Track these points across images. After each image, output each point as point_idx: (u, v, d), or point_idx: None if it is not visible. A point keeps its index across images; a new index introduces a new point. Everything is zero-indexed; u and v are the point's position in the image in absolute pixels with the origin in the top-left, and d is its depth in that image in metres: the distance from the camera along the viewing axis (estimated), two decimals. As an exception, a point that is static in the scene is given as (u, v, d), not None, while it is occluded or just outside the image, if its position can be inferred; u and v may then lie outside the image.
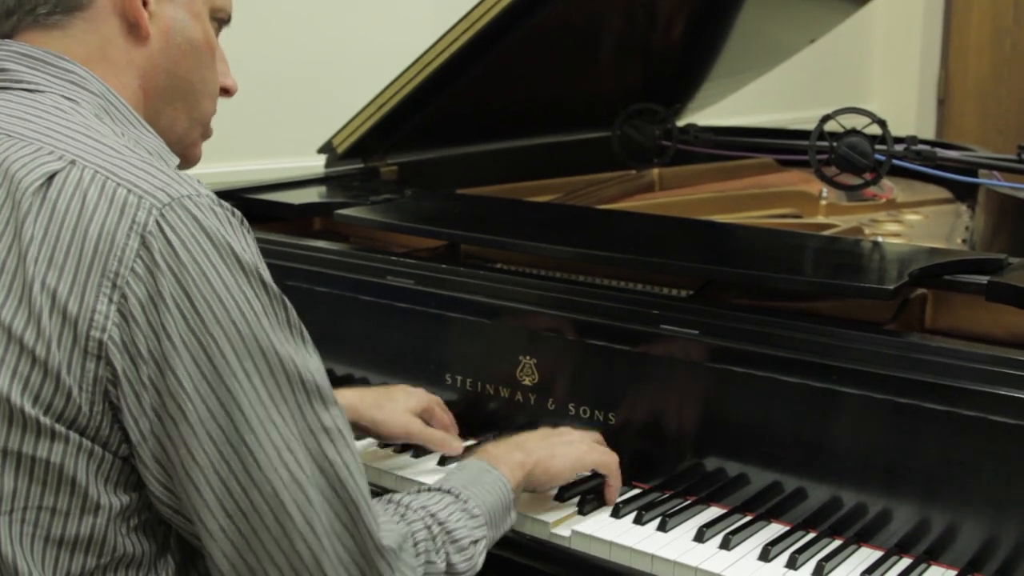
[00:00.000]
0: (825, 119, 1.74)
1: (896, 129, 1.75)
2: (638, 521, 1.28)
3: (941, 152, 1.81)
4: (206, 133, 1.18)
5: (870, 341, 1.23)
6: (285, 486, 0.93)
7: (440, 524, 1.09)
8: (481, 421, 1.51)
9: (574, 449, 1.32)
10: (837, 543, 1.24)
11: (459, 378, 1.52)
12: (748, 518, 1.29)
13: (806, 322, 1.29)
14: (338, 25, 2.71)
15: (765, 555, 1.21)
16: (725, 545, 1.23)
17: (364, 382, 1.62)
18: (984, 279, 1.31)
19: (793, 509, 1.28)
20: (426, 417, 1.46)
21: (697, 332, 1.33)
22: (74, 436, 0.91)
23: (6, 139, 0.97)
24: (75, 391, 0.90)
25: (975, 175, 1.96)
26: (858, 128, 1.74)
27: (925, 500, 1.20)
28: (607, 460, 1.33)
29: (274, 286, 0.97)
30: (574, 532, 1.27)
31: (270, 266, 0.99)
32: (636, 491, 1.36)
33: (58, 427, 0.91)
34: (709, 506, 1.33)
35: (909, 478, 1.20)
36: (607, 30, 2.21)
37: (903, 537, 1.21)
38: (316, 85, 2.65)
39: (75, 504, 0.92)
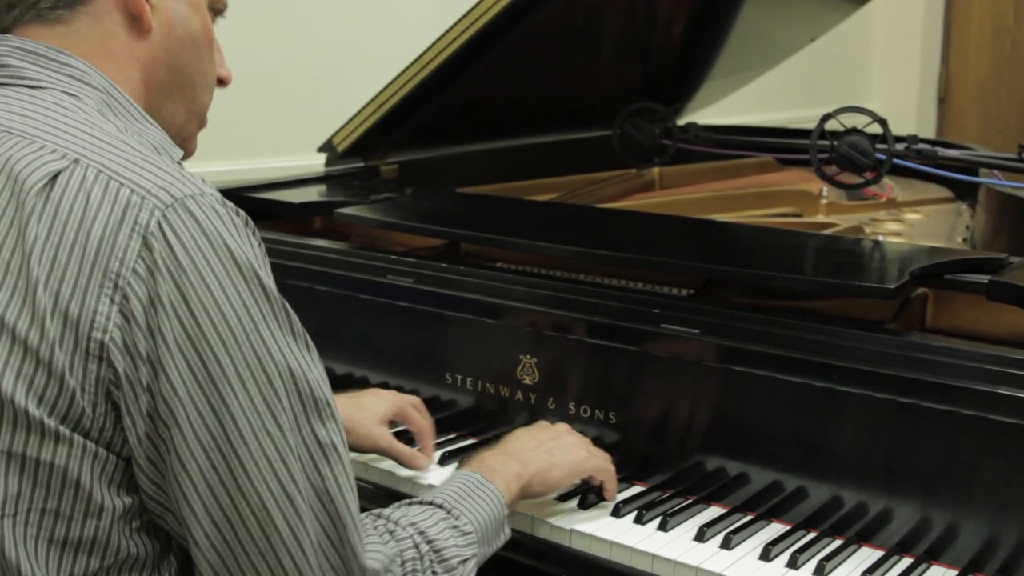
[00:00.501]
0: (826, 118, 1.74)
1: (896, 128, 1.75)
2: (639, 520, 1.28)
3: (942, 151, 1.80)
4: (202, 124, 1.17)
5: (871, 340, 1.23)
6: (275, 498, 0.92)
7: (429, 543, 1.08)
8: (481, 420, 1.51)
9: (572, 456, 1.30)
10: (838, 543, 1.24)
11: (459, 377, 1.52)
12: (749, 517, 1.29)
13: (807, 321, 1.29)
14: (338, 23, 2.71)
15: (766, 555, 1.20)
16: (726, 545, 1.23)
17: (364, 381, 1.62)
18: (985, 278, 1.31)
19: (794, 508, 1.27)
20: (400, 419, 1.44)
21: (698, 331, 1.33)
22: (78, 439, 0.91)
23: (9, 137, 0.96)
24: (78, 393, 0.90)
25: (976, 174, 1.96)
26: (859, 127, 1.74)
27: (926, 500, 1.20)
28: (605, 466, 1.32)
29: (276, 292, 0.96)
30: (574, 531, 1.27)
31: (271, 265, 0.98)
32: (637, 490, 1.36)
33: (62, 429, 0.90)
34: (710, 505, 1.32)
35: (910, 477, 1.20)
36: (607, 29, 2.21)
37: (904, 537, 1.21)
38: (316, 83, 2.65)
39: (79, 507, 0.92)
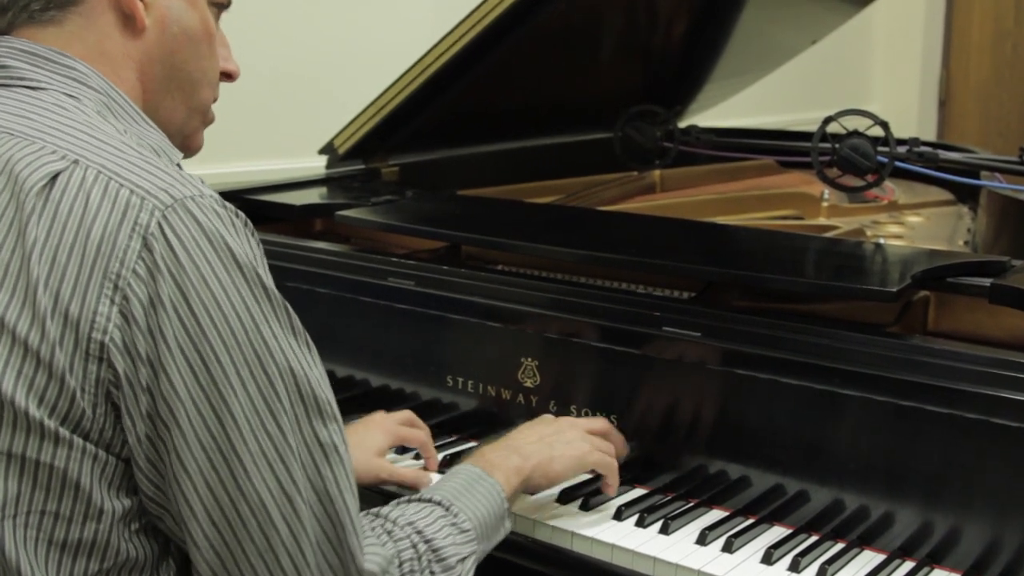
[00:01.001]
0: (827, 121, 1.74)
1: (897, 131, 1.74)
2: (640, 524, 1.28)
3: (943, 154, 1.80)
4: (207, 120, 1.16)
5: (873, 343, 1.23)
6: (274, 499, 0.92)
7: (427, 542, 1.07)
8: (482, 423, 1.51)
9: (574, 449, 1.30)
10: (840, 546, 1.23)
11: (460, 380, 1.52)
12: (751, 521, 1.28)
13: (808, 324, 1.29)
14: (339, 25, 2.71)
15: (768, 558, 1.20)
16: (728, 548, 1.22)
17: (365, 384, 1.61)
18: (987, 281, 1.31)
19: (796, 512, 1.27)
20: (399, 444, 1.44)
21: (699, 334, 1.32)
22: (78, 440, 0.91)
23: (9, 138, 0.96)
24: (79, 393, 0.90)
25: (977, 177, 1.96)
26: (860, 130, 1.74)
27: (928, 503, 1.19)
28: (607, 460, 1.32)
29: (276, 292, 0.96)
30: (576, 535, 1.27)
31: (270, 267, 0.98)
32: (638, 493, 1.36)
33: (63, 431, 0.90)
34: (711, 509, 1.32)
35: (911, 481, 1.20)
36: (608, 31, 2.21)
37: (906, 540, 1.21)
38: (317, 85, 2.65)
39: (79, 509, 0.92)
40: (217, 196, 0.96)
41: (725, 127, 2.42)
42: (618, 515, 1.30)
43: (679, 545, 1.24)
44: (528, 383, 1.46)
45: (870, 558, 1.22)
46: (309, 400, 0.95)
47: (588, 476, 1.36)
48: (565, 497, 1.34)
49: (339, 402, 1.00)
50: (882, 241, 1.79)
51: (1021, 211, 1.73)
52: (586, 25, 2.10)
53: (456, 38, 1.87)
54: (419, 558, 1.06)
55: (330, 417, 0.97)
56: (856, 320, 1.36)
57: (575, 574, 1.27)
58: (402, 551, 1.05)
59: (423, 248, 1.73)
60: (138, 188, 0.92)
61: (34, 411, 0.89)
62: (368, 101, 2.02)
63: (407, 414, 1.46)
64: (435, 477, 1.42)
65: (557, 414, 1.43)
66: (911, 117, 4.60)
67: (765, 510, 1.29)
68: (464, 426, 1.52)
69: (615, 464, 1.32)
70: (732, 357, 1.30)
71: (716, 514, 1.31)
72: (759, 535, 1.26)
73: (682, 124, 2.30)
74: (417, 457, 1.47)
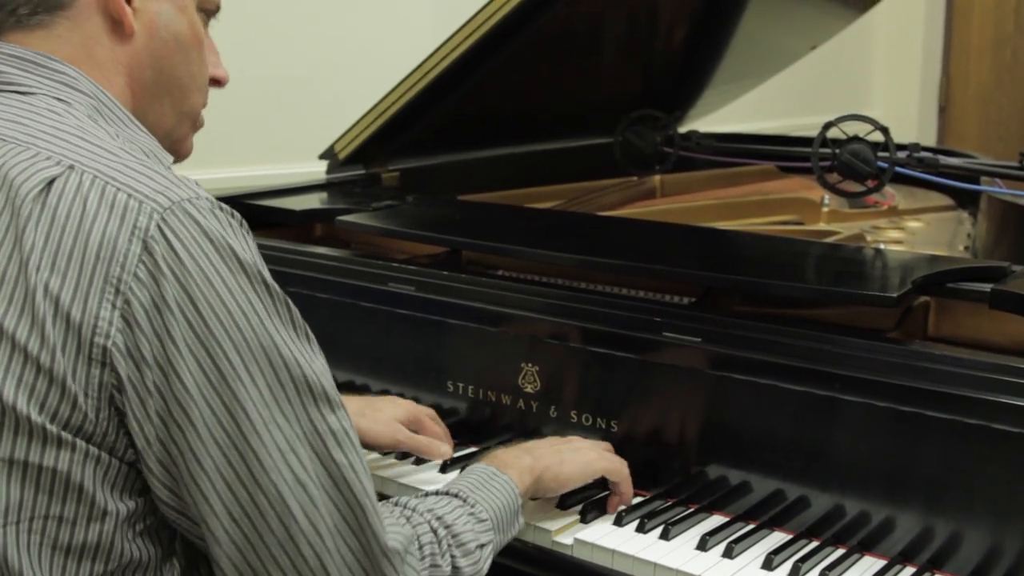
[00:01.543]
0: (828, 126, 1.74)
1: (897, 136, 1.74)
2: (640, 529, 1.28)
3: (943, 159, 1.80)
4: (196, 126, 1.17)
5: (873, 349, 1.23)
6: (290, 488, 0.93)
7: (446, 527, 1.09)
8: (483, 429, 1.51)
9: (583, 455, 1.31)
10: (841, 552, 1.23)
11: (461, 385, 1.52)
12: (751, 526, 1.28)
13: (809, 330, 1.29)
14: (339, 30, 2.71)
15: (768, 564, 1.20)
16: (728, 554, 1.22)
17: (365, 389, 1.61)
18: (987, 287, 1.31)
19: (796, 517, 1.27)
20: (414, 428, 1.45)
21: (700, 339, 1.32)
22: (81, 443, 0.91)
23: (2, 144, 0.96)
24: (81, 398, 0.90)
25: (977, 182, 1.96)
26: (860, 135, 1.74)
27: (928, 508, 1.19)
28: (617, 467, 1.33)
29: (277, 287, 0.97)
30: (576, 540, 1.27)
31: (271, 272, 0.99)
32: (638, 499, 1.36)
33: (65, 434, 0.90)
34: (712, 514, 1.32)
35: (912, 486, 1.20)
36: (609, 36, 2.22)
37: (906, 546, 1.21)
38: (317, 90, 2.65)
39: (82, 512, 0.92)
40: (212, 198, 0.97)
41: (725, 132, 2.42)
42: (618, 520, 1.30)
43: (680, 551, 1.24)
44: (528, 388, 1.46)
45: (871, 564, 1.22)
46: (316, 389, 0.96)
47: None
48: (566, 503, 1.33)
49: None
50: (882, 246, 1.79)
51: (1021, 216, 1.73)
52: (587, 30, 2.11)
53: (456, 43, 1.87)
54: (439, 541, 1.07)
55: (337, 404, 0.98)
56: (856, 326, 1.36)
57: (575, 579, 1.27)
58: (422, 534, 1.06)
59: (424, 253, 1.73)
60: (135, 192, 0.93)
61: (35, 417, 0.90)
62: (369, 106, 2.02)
63: (433, 412, 1.48)
64: (437, 475, 1.43)
65: (557, 419, 1.43)
66: (911, 122, 4.61)
67: (766, 515, 1.29)
68: (464, 431, 1.52)
69: (626, 471, 1.33)
70: (732, 362, 1.30)
71: (717, 519, 1.31)
72: (760, 541, 1.26)
73: (682, 129, 2.30)
74: (418, 462, 1.47)
